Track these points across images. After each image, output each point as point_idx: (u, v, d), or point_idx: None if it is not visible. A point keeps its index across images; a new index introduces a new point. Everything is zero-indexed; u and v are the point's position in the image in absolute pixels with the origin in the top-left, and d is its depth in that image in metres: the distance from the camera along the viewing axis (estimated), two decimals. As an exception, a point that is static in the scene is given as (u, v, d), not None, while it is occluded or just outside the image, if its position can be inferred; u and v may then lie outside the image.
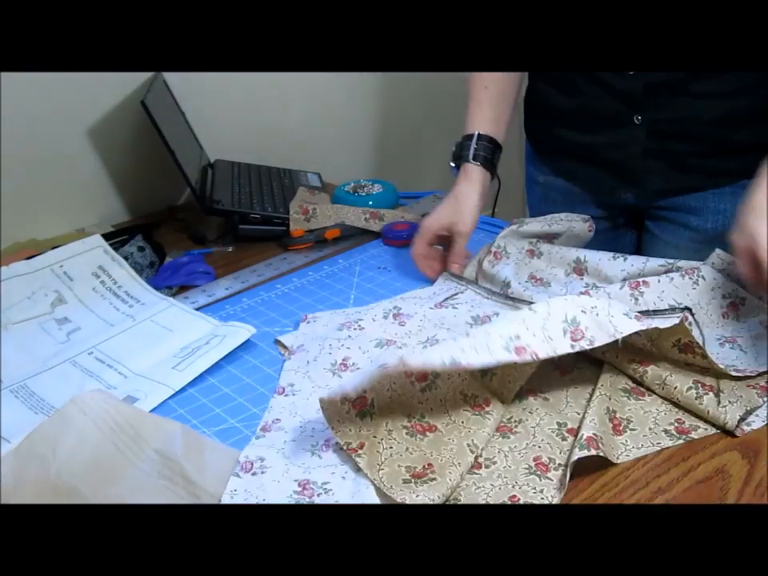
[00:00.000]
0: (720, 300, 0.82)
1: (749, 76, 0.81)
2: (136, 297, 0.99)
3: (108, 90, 1.25)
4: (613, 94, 0.92)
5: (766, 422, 0.69)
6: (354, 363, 0.80)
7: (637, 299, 0.82)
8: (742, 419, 0.68)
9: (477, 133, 0.98)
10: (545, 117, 1.05)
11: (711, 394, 0.70)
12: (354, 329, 0.85)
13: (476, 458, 0.67)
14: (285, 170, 1.39)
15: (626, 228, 1.10)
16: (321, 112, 1.59)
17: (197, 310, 0.97)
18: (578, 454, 0.63)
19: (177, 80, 1.32)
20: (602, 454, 0.64)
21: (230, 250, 1.16)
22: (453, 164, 1.00)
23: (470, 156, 0.97)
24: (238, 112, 1.45)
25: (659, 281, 0.82)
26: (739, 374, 0.73)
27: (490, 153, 0.98)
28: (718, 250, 0.83)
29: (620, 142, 0.95)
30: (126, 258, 1.05)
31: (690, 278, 0.82)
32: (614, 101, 0.92)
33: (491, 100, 0.99)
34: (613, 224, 1.09)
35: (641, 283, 0.82)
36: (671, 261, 0.84)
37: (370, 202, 1.22)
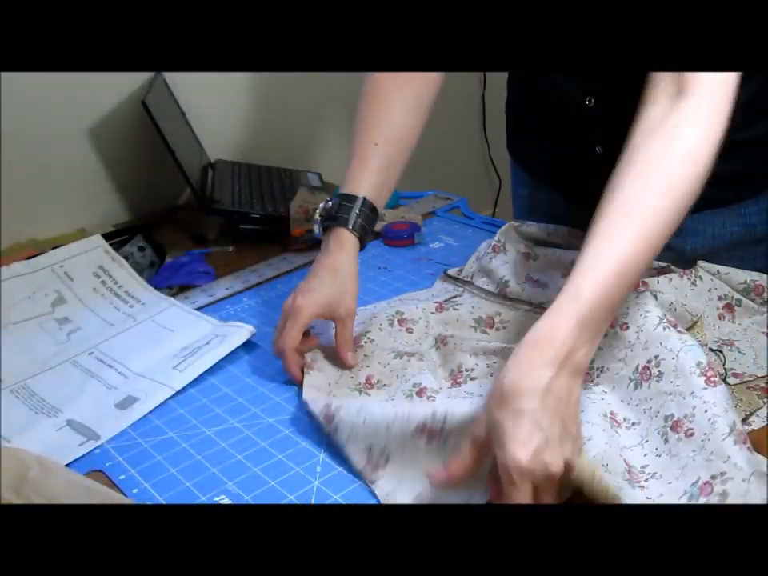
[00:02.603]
0: (716, 301, 0.82)
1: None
2: (136, 297, 0.99)
3: (108, 90, 1.24)
4: (573, 122, 0.90)
5: (765, 422, 0.69)
6: (378, 380, 0.79)
7: (636, 297, 0.82)
8: (742, 422, 0.68)
9: (362, 197, 0.84)
10: (522, 135, 1.03)
11: None
12: (365, 342, 0.85)
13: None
14: (285, 169, 1.39)
15: None
16: (321, 112, 1.59)
17: (197, 309, 0.97)
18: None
19: (177, 80, 1.32)
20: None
21: (230, 250, 1.16)
22: (319, 226, 0.86)
23: (350, 223, 0.83)
24: (238, 112, 1.44)
25: (658, 282, 0.82)
26: (737, 381, 0.73)
27: (369, 223, 0.85)
28: (700, 262, 0.84)
29: (584, 169, 0.92)
30: (126, 258, 1.05)
31: (687, 279, 0.82)
32: (575, 129, 0.90)
33: (380, 162, 0.87)
34: None
35: (640, 283, 0.82)
36: (664, 263, 0.84)
37: (370, 202, 1.22)
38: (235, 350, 0.86)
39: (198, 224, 1.21)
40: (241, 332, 0.87)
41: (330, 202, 0.86)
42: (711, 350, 0.76)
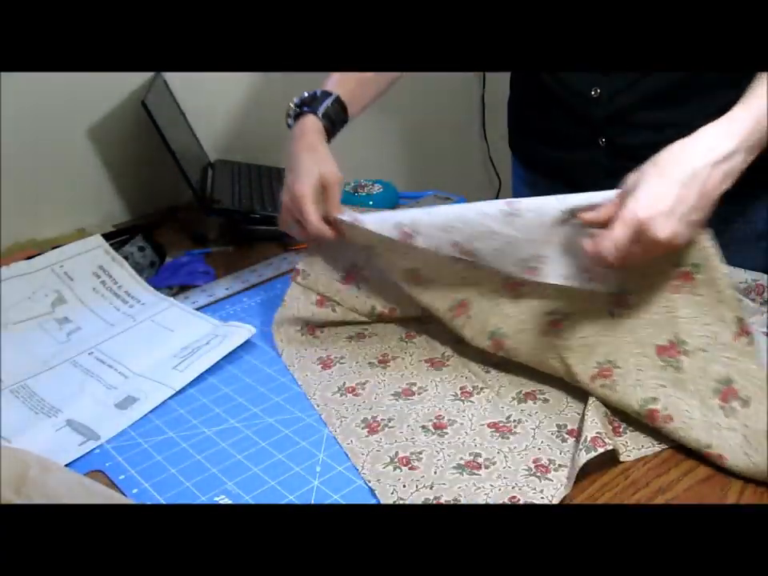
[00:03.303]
0: None
1: (718, 102, 0.79)
2: (136, 297, 0.99)
3: (108, 90, 1.24)
4: (577, 115, 0.90)
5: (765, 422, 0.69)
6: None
7: None
8: None
9: (335, 95, 0.90)
10: (524, 132, 1.04)
11: None
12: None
13: None
14: (285, 169, 1.39)
15: None
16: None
17: (197, 309, 0.97)
18: (586, 457, 0.63)
19: (177, 80, 1.32)
20: (609, 448, 0.64)
21: (230, 250, 1.16)
22: (291, 117, 0.91)
23: (319, 111, 0.88)
24: (238, 112, 1.44)
25: None
26: None
27: (337, 117, 0.91)
28: None
29: (586, 162, 0.93)
30: (126, 258, 1.05)
31: None
32: (579, 122, 0.91)
33: (359, 76, 0.93)
34: None
35: None
36: None
37: (371, 202, 1.22)
38: (235, 349, 0.86)
39: (198, 224, 1.21)
40: (241, 332, 0.87)
41: (304, 95, 0.91)
42: None
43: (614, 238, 0.64)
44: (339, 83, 0.91)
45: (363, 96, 0.94)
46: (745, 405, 0.64)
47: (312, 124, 0.88)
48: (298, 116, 0.89)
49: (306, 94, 0.91)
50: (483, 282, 0.79)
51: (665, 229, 0.64)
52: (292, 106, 0.91)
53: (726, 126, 0.68)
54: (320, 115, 0.88)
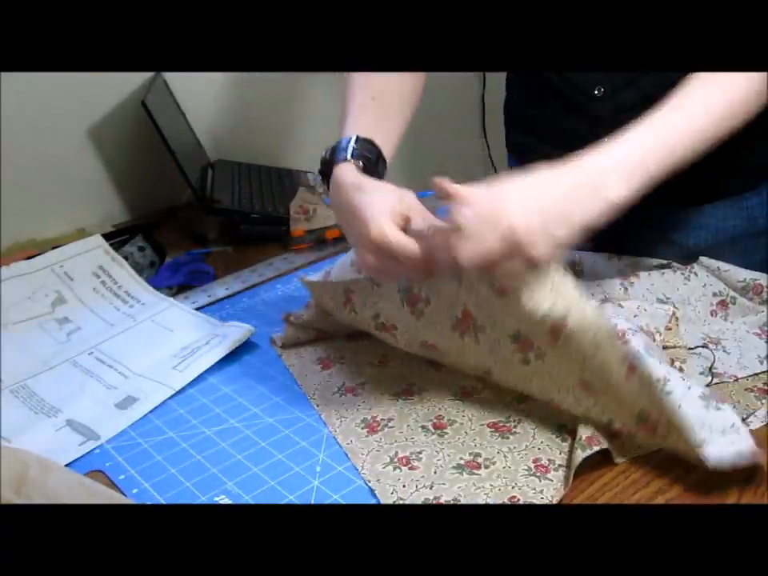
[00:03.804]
0: (710, 297, 0.82)
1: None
2: (136, 297, 0.99)
3: (108, 90, 1.24)
4: (580, 113, 0.90)
5: (764, 422, 0.69)
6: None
7: (626, 289, 0.83)
8: (741, 422, 0.68)
9: (355, 135, 0.76)
10: (523, 130, 1.03)
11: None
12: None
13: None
14: (285, 169, 1.39)
15: (608, 243, 1.08)
16: (321, 112, 1.59)
17: (197, 309, 0.97)
18: (581, 455, 0.63)
19: (177, 80, 1.32)
20: (605, 446, 0.64)
21: (230, 250, 1.16)
22: (320, 178, 0.79)
23: (348, 154, 0.74)
24: (238, 112, 1.44)
25: (650, 274, 0.82)
26: (716, 380, 0.73)
27: (372, 155, 0.76)
28: (702, 258, 0.84)
29: None
30: (126, 258, 1.05)
31: (681, 274, 0.82)
32: (582, 120, 0.91)
33: (378, 112, 0.80)
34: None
35: (631, 275, 0.83)
36: (665, 261, 0.85)
37: (370, 202, 1.22)
38: (235, 350, 0.86)
39: (198, 224, 1.21)
40: (241, 332, 0.87)
41: (324, 155, 0.78)
42: (695, 348, 0.76)
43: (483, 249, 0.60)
44: (357, 129, 0.78)
45: (391, 131, 0.81)
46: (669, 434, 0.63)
47: (348, 169, 0.74)
48: (327, 173, 0.77)
49: (325, 153, 0.78)
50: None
51: (542, 247, 0.60)
52: (316, 172, 0.80)
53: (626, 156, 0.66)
54: (349, 158, 0.74)
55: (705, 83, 0.69)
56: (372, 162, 0.76)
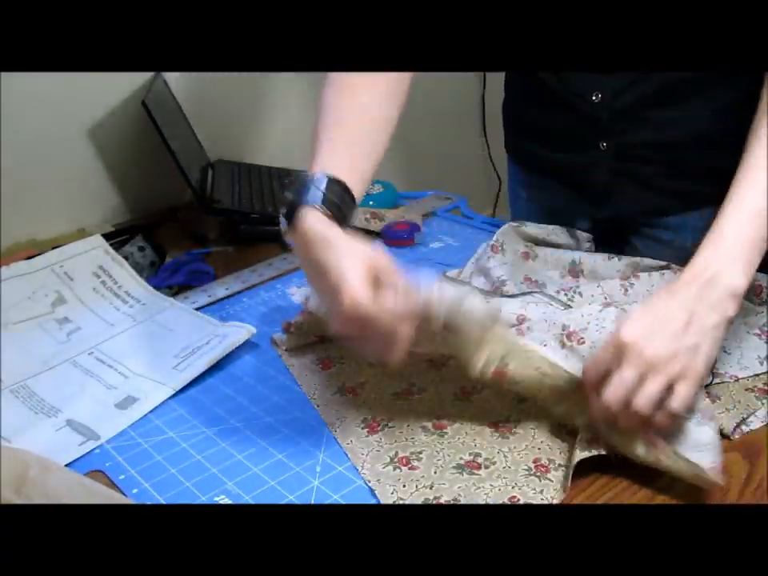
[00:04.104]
0: None
1: (718, 101, 0.78)
2: (136, 297, 0.99)
3: (108, 90, 1.24)
4: (578, 118, 0.90)
5: (764, 422, 0.69)
6: None
7: (626, 290, 0.83)
8: (738, 425, 0.68)
9: (327, 175, 0.68)
10: (521, 133, 1.03)
11: (707, 400, 0.70)
12: None
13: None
14: (285, 169, 1.39)
15: (609, 246, 1.08)
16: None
17: (197, 309, 0.97)
18: (580, 455, 0.63)
19: (177, 80, 1.32)
20: (603, 452, 0.64)
21: (230, 250, 1.16)
22: (283, 219, 0.69)
23: (318, 200, 0.67)
24: (238, 112, 1.45)
25: (650, 275, 0.82)
26: (717, 380, 0.73)
27: (342, 202, 0.69)
28: None
29: (588, 164, 0.92)
30: (126, 258, 1.05)
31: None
32: (580, 125, 0.91)
33: (351, 146, 0.73)
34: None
35: (631, 275, 0.83)
36: (664, 262, 0.85)
37: (371, 202, 1.22)
38: (235, 349, 0.86)
39: (198, 224, 1.21)
40: (241, 332, 0.87)
41: (288, 189, 0.69)
42: None
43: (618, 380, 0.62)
44: (327, 160, 0.71)
45: (361, 168, 0.74)
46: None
47: (315, 219, 0.67)
48: (291, 214, 0.68)
49: (290, 192, 0.69)
50: None
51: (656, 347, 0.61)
52: (283, 205, 0.70)
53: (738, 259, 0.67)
54: (318, 203, 0.67)
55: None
56: (341, 210, 0.68)
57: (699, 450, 0.61)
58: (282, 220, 0.69)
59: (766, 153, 0.70)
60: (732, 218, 0.69)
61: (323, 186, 0.68)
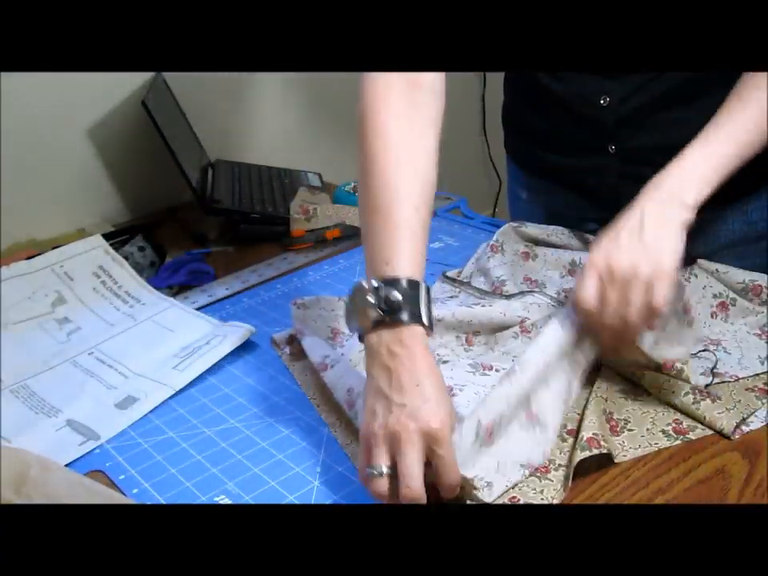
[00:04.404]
0: (710, 299, 0.82)
1: (719, 101, 0.78)
2: (136, 297, 0.99)
3: (108, 90, 1.25)
4: (584, 121, 0.90)
5: (764, 422, 0.69)
6: None
7: None
8: (738, 425, 0.68)
9: (426, 286, 0.65)
10: (523, 136, 1.03)
11: (708, 399, 0.70)
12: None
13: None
14: (285, 169, 1.39)
15: None
16: (321, 112, 1.59)
17: (197, 309, 0.97)
18: (580, 455, 0.63)
19: (177, 80, 1.32)
20: (604, 451, 0.64)
21: (230, 249, 1.16)
22: (376, 314, 0.62)
23: (424, 317, 0.63)
24: (238, 112, 1.45)
25: None
26: (717, 380, 0.73)
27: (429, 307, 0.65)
28: (700, 260, 0.84)
29: (595, 168, 0.91)
30: (126, 258, 1.05)
31: (681, 276, 0.82)
32: (587, 128, 0.90)
33: (424, 231, 0.68)
34: None
35: None
36: None
37: (370, 202, 1.22)
38: (235, 349, 0.86)
39: (198, 224, 1.21)
40: (241, 332, 0.87)
41: (388, 290, 0.63)
42: (699, 351, 0.77)
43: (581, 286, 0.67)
44: (414, 256, 0.66)
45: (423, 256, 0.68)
46: None
47: (422, 337, 0.62)
48: (381, 323, 0.62)
49: (389, 290, 0.62)
50: None
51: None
52: (373, 303, 0.62)
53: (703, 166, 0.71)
54: (425, 323, 0.63)
55: (760, 84, 0.72)
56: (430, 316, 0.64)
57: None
58: (355, 328, 0.65)
59: (742, 105, 0.73)
60: (695, 152, 0.72)
61: (423, 297, 0.64)
